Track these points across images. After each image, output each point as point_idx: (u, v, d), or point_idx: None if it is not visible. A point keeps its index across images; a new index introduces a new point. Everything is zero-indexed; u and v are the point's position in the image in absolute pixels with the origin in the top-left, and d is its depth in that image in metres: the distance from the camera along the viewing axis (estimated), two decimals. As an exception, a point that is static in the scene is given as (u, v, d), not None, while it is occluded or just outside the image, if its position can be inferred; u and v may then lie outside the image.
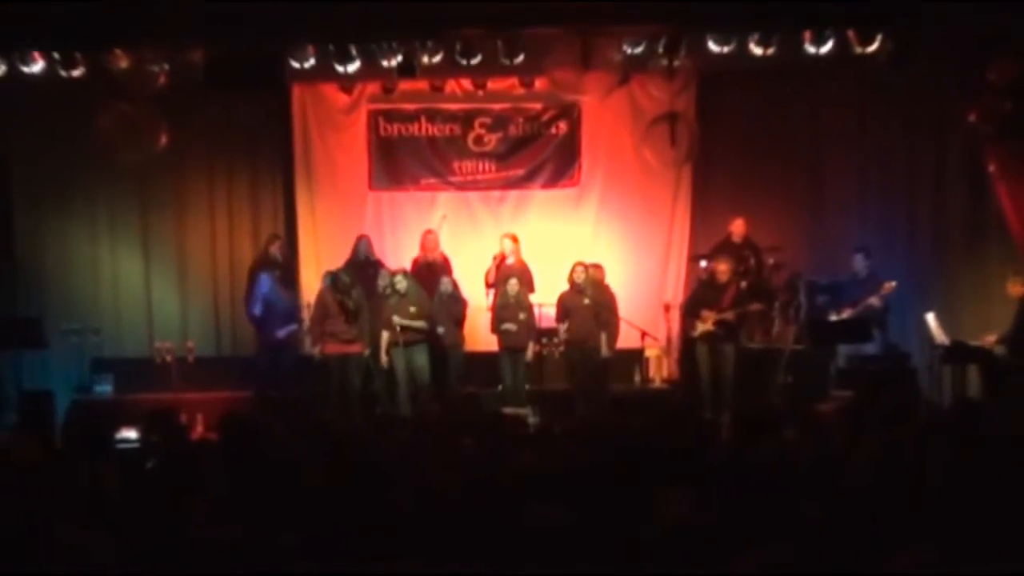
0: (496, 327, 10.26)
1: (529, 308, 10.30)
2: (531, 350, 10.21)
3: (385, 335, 9.96)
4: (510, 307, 10.20)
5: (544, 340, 10.66)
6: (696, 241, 11.83)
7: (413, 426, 6.27)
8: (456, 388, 10.18)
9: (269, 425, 5.44)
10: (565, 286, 10.25)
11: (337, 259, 10.85)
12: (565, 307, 10.18)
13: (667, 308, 11.34)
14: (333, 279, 10.05)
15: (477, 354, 10.80)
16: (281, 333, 10.19)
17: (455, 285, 10.46)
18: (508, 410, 8.76)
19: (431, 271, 10.67)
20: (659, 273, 11.90)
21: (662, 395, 10.60)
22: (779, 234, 11.33)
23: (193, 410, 9.75)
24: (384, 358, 9.92)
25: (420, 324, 9.95)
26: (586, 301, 10.01)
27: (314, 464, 4.41)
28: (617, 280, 10.91)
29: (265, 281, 10.19)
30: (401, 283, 9.98)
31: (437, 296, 10.28)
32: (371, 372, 10.20)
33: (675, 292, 11.76)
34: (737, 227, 11.05)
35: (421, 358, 10.00)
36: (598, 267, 10.51)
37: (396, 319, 9.82)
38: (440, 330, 10.12)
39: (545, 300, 10.54)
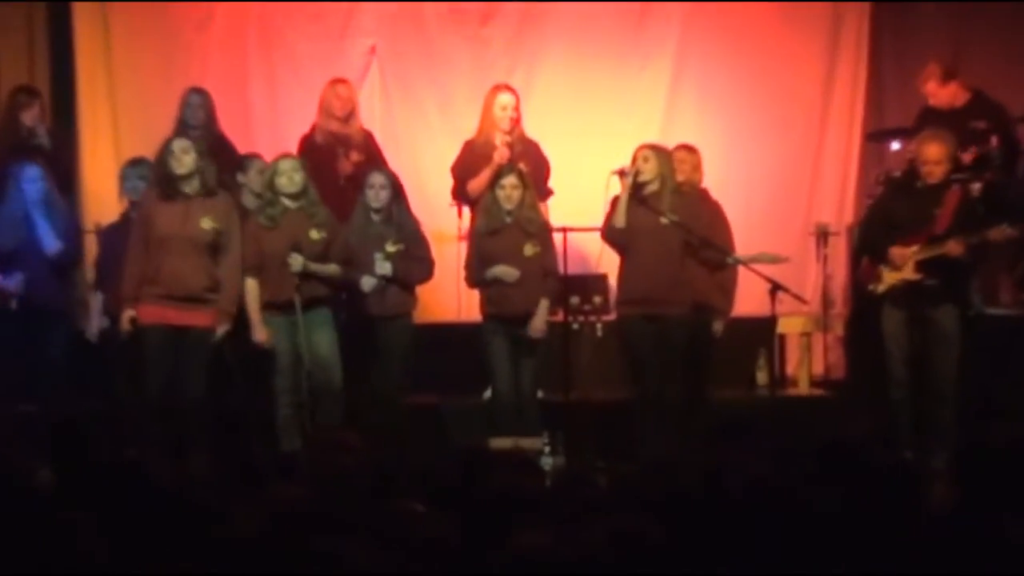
0: (477, 275, 10.28)
1: (544, 235, 10.30)
2: (544, 318, 10.22)
3: (252, 286, 9.95)
4: (505, 234, 10.19)
5: (575, 302, 10.67)
6: (880, 105, 12.02)
7: (310, 476, 6.26)
8: (396, 397, 10.26)
9: (22, 470, 5.53)
10: (615, 191, 10.20)
11: (155, 137, 10.74)
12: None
13: (822, 237, 11.50)
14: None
15: (440, 328, 11.01)
16: (10, 283, 10.26)
17: (400, 189, 10.42)
18: (501, 442, 8.85)
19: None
20: (806, 168, 12.14)
21: (815, 409, 10.82)
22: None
23: None
24: (260, 336, 9.93)
25: (331, 269, 9.95)
26: (663, 220, 9.98)
27: (111, 547, 4.44)
28: (722, 181, 11.00)
29: (32, 175, 10.25)
30: (294, 178, 9.92)
31: (359, 210, 10.26)
32: (227, 366, 10.26)
33: (839, 206, 12.02)
34: (960, 82, 11.12)
35: (323, 337, 10.04)
36: (689, 151, 10.47)
37: (296, 257, 9.75)
38: (366, 281, 10.11)
39: (576, 219, 10.56)
